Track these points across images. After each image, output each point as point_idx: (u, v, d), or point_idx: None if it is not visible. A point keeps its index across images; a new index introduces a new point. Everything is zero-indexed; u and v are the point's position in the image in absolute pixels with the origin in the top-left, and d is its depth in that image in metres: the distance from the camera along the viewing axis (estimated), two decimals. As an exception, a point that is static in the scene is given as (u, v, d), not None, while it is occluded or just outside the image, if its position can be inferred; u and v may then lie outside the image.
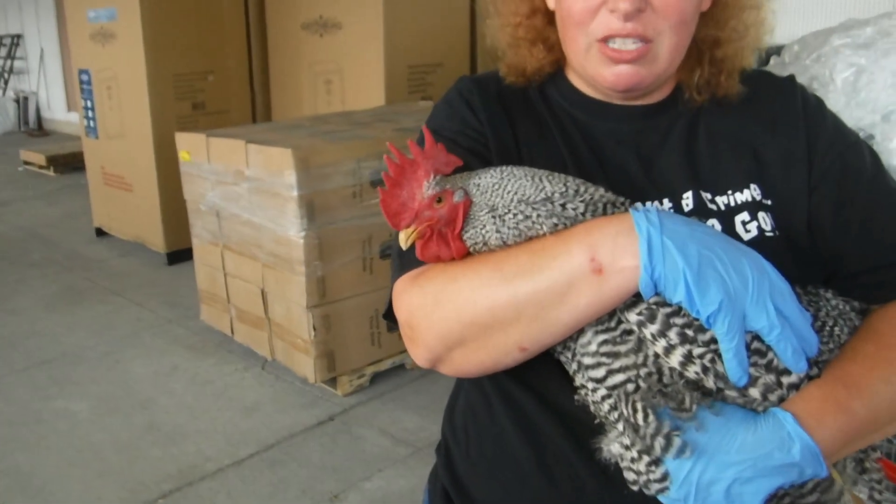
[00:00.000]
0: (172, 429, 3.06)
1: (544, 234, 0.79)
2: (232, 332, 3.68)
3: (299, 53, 4.80)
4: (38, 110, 11.42)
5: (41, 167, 8.11)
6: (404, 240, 0.81)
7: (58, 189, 7.37)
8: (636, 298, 0.74)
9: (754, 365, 0.72)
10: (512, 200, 0.80)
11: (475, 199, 0.82)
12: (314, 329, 3.12)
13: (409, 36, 4.40)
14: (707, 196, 0.95)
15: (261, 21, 5.07)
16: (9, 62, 11.64)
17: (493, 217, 0.80)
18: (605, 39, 0.92)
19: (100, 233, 5.61)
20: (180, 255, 4.85)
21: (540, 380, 0.93)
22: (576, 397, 0.81)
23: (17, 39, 11.56)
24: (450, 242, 0.82)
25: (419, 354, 0.86)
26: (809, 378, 0.76)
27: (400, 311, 0.89)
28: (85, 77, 5.24)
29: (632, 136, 1.01)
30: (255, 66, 5.17)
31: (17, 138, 10.48)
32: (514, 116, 1.03)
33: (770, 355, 0.73)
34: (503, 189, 0.81)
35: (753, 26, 1.00)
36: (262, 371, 3.49)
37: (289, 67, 4.92)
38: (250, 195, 3.25)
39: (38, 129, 11.22)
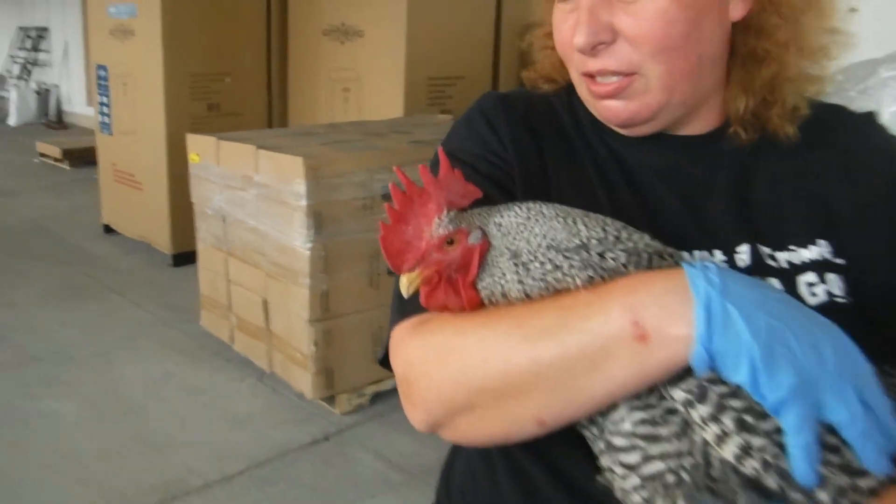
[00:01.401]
0: (160, 438, 2.94)
1: (577, 288, 0.66)
2: (231, 340, 3.57)
3: (319, 59, 4.71)
4: (58, 103, 11.42)
5: (56, 160, 8.06)
6: (406, 286, 0.69)
7: (70, 182, 7.31)
8: (685, 372, 0.61)
9: (826, 463, 0.58)
10: (540, 245, 0.68)
11: (495, 242, 0.69)
12: (315, 344, 3.00)
13: (431, 47, 4.30)
14: (766, 251, 0.81)
15: (282, 24, 4.99)
16: (33, 54, 11.66)
17: (516, 264, 0.68)
18: (586, 75, 0.83)
19: (107, 230, 5.52)
20: (186, 257, 4.73)
21: (555, 450, 0.80)
22: (598, 478, 0.68)
23: (42, 32, 11.59)
24: (461, 291, 0.70)
25: (416, 417, 0.74)
26: (892, 481, 0.61)
27: (397, 363, 0.76)
28: (102, 72, 5.17)
29: (674, 171, 0.87)
30: (273, 69, 5.08)
31: (37, 130, 10.46)
32: (543, 141, 0.90)
33: (845, 452, 0.59)
34: (529, 231, 0.69)
35: (811, 32, 0.84)
36: (258, 383, 3.37)
37: (307, 73, 4.83)
38: (257, 202, 3.14)
39: (57, 121, 11.20)
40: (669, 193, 0.86)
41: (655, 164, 0.88)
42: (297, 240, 2.96)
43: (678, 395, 0.61)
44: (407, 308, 0.77)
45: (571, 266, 0.66)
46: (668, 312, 0.60)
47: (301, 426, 3.03)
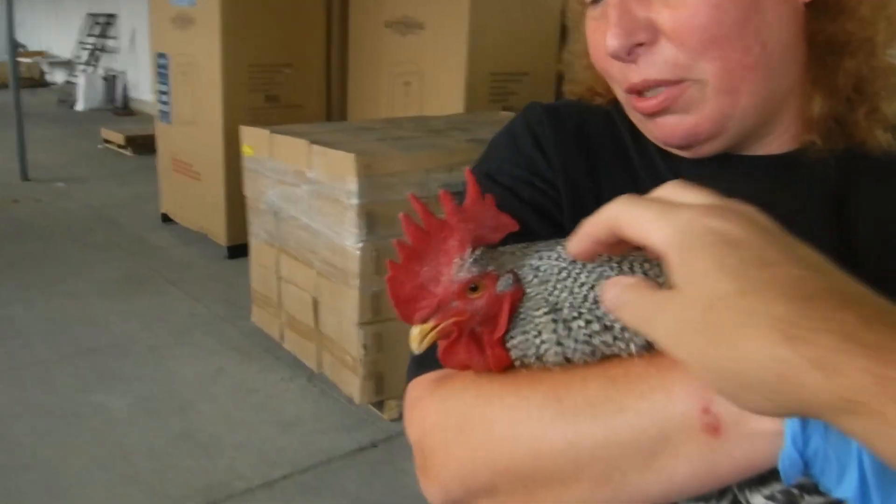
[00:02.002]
0: (207, 438, 2.90)
1: (630, 356, 0.53)
2: (281, 338, 3.52)
3: (380, 52, 4.63)
4: (125, 90, 11.60)
5: (120, 146, 8.16)
6: (417, 340, 0.55)
7: (132, 170, 7.39)
8: (768, 473, 0.48)
9: None
10: (586, 299, 0.54)
11: (529, 290, 0.56)
12: (364, 347, 2.92)
13: (495, 42, 4.17)
14: None
15: (343, 16, 4.92)
16: (101, 41, 11.85)
17: (555, 321, 0.54)
18: (631, 91, 0.69)
19: (165, 219, 5.55)
20: (241, 249, 4.67)
21: None
22: None
23: (110, 19, 11.77)
24: (486, 348, 0.57)
25: (432, 493, 0.62)
26: None
27: (411, 427, 0.64)
28: (163, 61, 5.18)
29: (757, 201, 0.73)
30: (333, 62, 5.02)
31: (103, 116, 10.64)
32: (598, 163, 0.76)
33: None
34: (574, 279, 0.55)
35: None
36: (307, 383, 3.31)
37: (368, 66, 4.75)
38: (310, 198, 3.07)
39: (124, 108, 11.38)
40: None
41: (734, 194, 0.73)
42: (349, 239, 2.88)
43: (758, 502, 0.49)
44: (425, 360, 0.65)
45: (625, 328, 0.53)
46: None
47: (348, 432, 2.96)
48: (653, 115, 0.69)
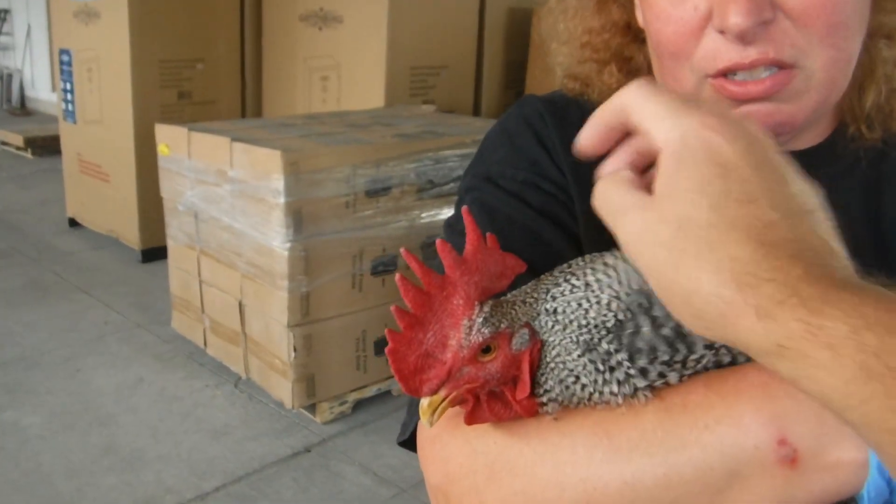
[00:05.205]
0: (131, 452, 2.76)
1: (686, 382, 0.48)
2: (205, 344, 3.39)
3: (296, 46, 4.51)
4: (21, 88, 11.05)
5: (18, 148, 7.75)
6: (428, 413, 0.49)
7: (34, 173, 7.03)
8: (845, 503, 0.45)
9: None
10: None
11: (552, 338, 0.50)
12: (294, 350, 2.83)
13: (414, 35, 4.11)
14: None
15: (257, 9, 4.77)
16: (-6, 37, 11.26)
17: (593, 361, 0.49)
18: (723, 73, 0.62)
19: (73, 223, 5.28)
20: (156, 252, 4.51)
21: None
22: None
23: (3, 14, 11.19)
24: (511, 403, 0.52)
25: None
26: None
27: (431, 471, 0.58)
28: (66, 57, 4.93)
29: None
30: (247, 56, 4.86)
31: (-2, 116, 10.12)
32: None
33: None
34: (598, 302, 0.50)
35: None
36: (234, 389, 3.19)
37: (283, 60, 4.63)
38: (233, 198, 2.95)
39: (20, 107, 10.84)
40: None
41: None
42: (276, 239, 2.78)
43: None
44: None
45: (676, 351, 0.48)
46: (829, 428, 0.43)
47: (281, 437, 2.87)
48: (747, 101, 0.62)
